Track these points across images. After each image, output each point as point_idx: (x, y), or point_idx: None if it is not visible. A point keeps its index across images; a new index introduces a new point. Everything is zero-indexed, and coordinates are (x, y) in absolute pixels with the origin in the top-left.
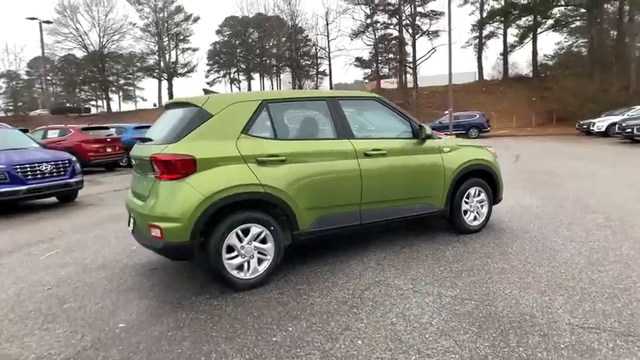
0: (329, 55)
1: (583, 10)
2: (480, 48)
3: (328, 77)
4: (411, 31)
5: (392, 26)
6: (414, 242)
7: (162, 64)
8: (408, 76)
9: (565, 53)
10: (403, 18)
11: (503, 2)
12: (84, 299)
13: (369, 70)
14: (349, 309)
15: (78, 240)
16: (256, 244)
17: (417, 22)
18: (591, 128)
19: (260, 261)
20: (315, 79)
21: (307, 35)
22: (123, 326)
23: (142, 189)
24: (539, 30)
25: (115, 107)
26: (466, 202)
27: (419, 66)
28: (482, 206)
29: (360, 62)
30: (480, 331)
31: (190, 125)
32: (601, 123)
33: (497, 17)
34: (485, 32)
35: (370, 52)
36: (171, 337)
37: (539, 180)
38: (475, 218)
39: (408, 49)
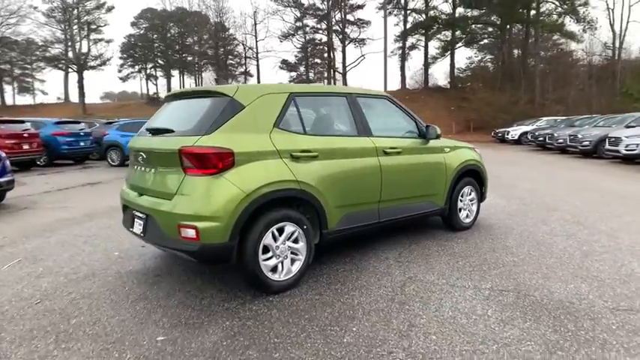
0: (257, 55)
1: (491, 29)
2: (403, 58)
3: (256, 78)
4: (340, 37)
5: (321, 31)
6: (419, 240)
7: (70, 54)
8: (337, 82)
9: (475, 67)
10: (332, 24)
11: (424, 16)
12: (92, 312)
13: (295, 74)
14: (400, 306)
15: (37, 247)
16: (290, 243)
17: (345, 30)
18: (506, 136)
19: (292, 261)
20: (244, 78)
21: (233, 34)
22: (163, 339)
23: (157, 185)
24: (457, 45)
25: (9, 100)
26: (461, 201)
27: (347, 72)
28: (472, 204)
29: (287, 65)
30: (536, 318)
31: (223, 116)
32: (514, 132)
33: (419, 30)
34: (408, 43)
35: (295, 56)
36: (230, 346)
37: (492, 182)
38: (467, 216)
39: (338, 55)
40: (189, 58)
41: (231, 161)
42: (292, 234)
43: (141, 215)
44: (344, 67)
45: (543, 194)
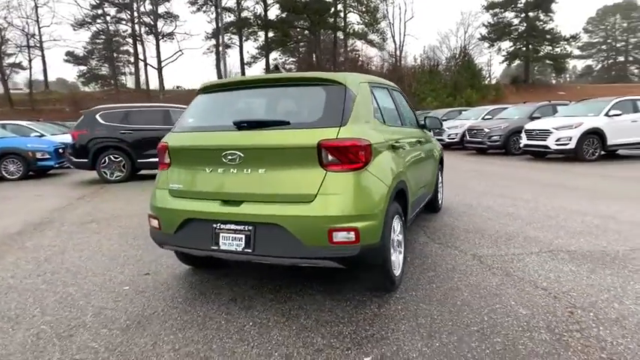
0: (41, 44)
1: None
2: (218, 56)
3: (41, 71)
4: (148, 30)
5: (124, 22)
6: (427, 224)
7: None
8: (146, 78)
9: (290, 70)
10: (137, 15)
11: (237, 15)
12: (166, 312)
13: (84, 68)
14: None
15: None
16: (400, 237)
17: (157, 23)
18: None
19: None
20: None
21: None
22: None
23: (272, 188)
24: (275, 47)
25: None
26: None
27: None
28: (442, 187)
29: (73, 57)
30: (604, 265)
31: (347, 106)
32: None
33: (231, 29)
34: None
35: (84, 47)
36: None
37: None
38: (440, 198)
39: (151, 49)
40: None
41: (370, 154)
42: (398, 227)
43: (239, 228)
44: (159, 62)
45: (467, 183)
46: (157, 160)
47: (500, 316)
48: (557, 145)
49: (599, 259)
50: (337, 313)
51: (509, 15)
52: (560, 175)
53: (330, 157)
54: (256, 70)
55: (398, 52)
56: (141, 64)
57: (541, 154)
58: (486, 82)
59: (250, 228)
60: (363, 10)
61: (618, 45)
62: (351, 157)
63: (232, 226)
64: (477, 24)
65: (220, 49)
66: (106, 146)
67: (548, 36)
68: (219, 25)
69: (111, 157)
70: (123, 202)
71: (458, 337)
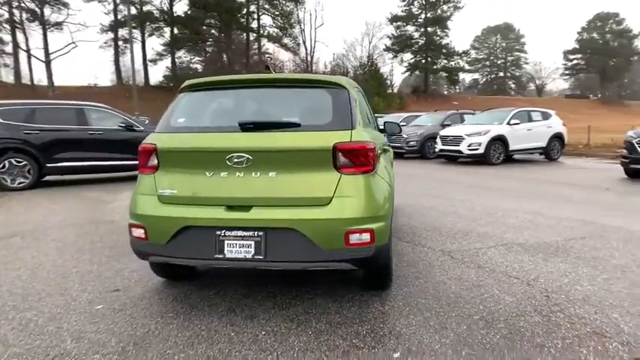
0: None
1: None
2: (116, 51)
3: None
4: (31, 17)
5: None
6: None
7: None
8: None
9: (197, 70)
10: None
11: (139, 9)
12: (161, 330)
13: None
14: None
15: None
16: None
17: (44, 10)
18: None
19: None
20: None
21: None
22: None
23: (285, 191)
24: (183, 44)
25: None
26: None
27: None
28: None
29: None
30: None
31: (352, 109)
32: None
33: (132, 23)
34: (126, 36)
35: None
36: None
37: None
38: None
39: (36, 40)
40: None
41: (377, 157)
42: None
43: (248, 234)
44: (47, 54)
45: (419, 190)
46: (71, 164)
47: (493, 305)
48: (469, 150)
49: (546, 250)
50: (345, 314)
51: (410, 29)
52: (476, 177)
53: (344, 160)
54: (160, 69)
55: (309, 58)
56: (23, 56)
57: (454, 158)
58: (390, 90)
59: (261, 234)
60: (277, 13)
61: (499, 62)
62: (363, 159)
63: (240, 233)
64: (381, 35)
65: (120, 43)
66: (5, 148)
67: (444, 50)
68: (118, 17)
69: (12, 160)
70: (43, 212)
71: (467, 326)
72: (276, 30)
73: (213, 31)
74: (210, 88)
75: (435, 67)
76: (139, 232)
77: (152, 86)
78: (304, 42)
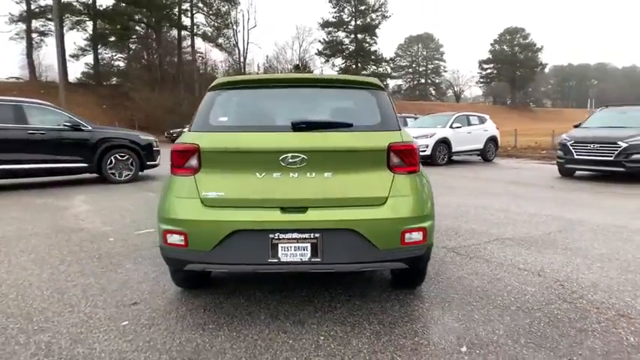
0: None
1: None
2: (29, 43)
3: None
4: None
5: None
6: None
7: None
8: None
9: (133, 67)
10: None
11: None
12: (212, 343)
13: None
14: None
15: None
16: None
17: None
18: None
19: None
20: None
21: None
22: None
23: (341, 191)
24: (107, 39)
25: None
26: None
27: None
28: None
29: None
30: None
31: (395, 111)
32: None
33: (46, 15)
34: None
35: None
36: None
37: None
38: None
39: None
40: None
41: (419, 157)
42: None
43: (304, 236)
44: None
45: None
46: (8, 167)
47: (520, 296)
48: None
49: (534, 243)
50: (392, 313)
51: (341, 34)
52: (432, 176)
53: (396, 160)
54: (80, 66)
55: (242, 59)
56: None
57: None
58: None
59: (317, 235)
60: (211, 12)
61: (420, 69)
62: (412, 159)
63: (295, 235)
64: (311, 39)
65: (34, 35)
66: None
67: (373, 57)
68: (32, 7)
69: None
70: None
71: (509, 317)
72: (210, 29)
73: (138, 27)
74: (247, 87)
75: (364, 72)
76: (176, 239)
77: (71, 83)
78: (237, 43)
